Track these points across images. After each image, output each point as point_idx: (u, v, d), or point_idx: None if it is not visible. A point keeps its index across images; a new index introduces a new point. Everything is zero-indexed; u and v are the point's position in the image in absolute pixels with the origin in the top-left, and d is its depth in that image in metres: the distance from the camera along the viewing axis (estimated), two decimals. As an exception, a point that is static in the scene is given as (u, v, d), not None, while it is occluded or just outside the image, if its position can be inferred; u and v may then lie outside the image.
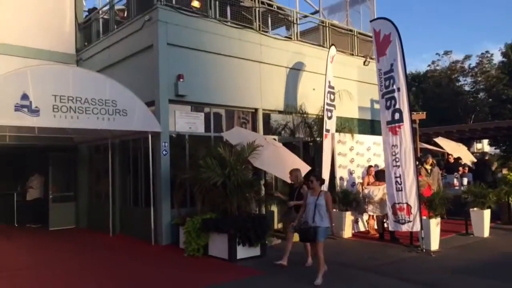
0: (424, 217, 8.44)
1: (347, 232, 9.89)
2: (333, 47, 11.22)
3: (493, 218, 11.29)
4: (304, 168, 9.44)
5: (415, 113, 16.44)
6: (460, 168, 15.32)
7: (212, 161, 7.78)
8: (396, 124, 8.57)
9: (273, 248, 8.62)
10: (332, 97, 10.80)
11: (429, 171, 11.65)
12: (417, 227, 8.24)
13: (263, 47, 11.19)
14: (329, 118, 10.58)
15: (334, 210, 10.09)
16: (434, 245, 8.31)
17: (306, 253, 7.30)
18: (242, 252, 7.60)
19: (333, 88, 10.88)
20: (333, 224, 6.59)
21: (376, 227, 10.02)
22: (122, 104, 8.41)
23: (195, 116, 9.99)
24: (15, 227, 12.26)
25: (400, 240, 9.00)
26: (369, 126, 13.84)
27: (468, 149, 24.48)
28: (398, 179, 8.50)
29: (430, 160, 11.84)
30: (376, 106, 12.43)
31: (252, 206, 9.00)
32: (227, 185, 7.71)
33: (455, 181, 13.79)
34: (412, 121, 15.83)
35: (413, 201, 8.30)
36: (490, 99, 31.76)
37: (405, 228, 8.41)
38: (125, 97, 8.55)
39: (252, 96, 10.93)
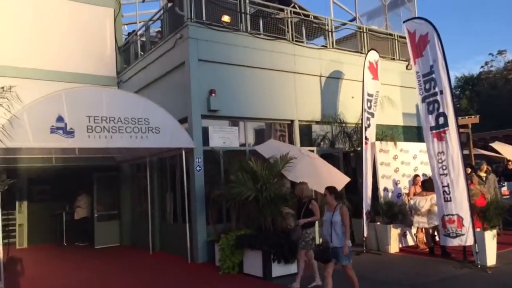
0: (478, 229, 7.68)
1: (394, 247, 9.25)
2: (372, 51, 10.72)
3: None
4: (343, 180, 9.03)
5: (467, 117, 15.39)
6: (520, 174, 14.07)
7: (244, 176, 7.59)
8: (441, 129, 7.95)
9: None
10: (369, 104, 10.29)
11: (483, 178, 10.74)
12: (470, 241, 7.51)
13: (297, 57, 10.95)
14: (368, 126, 10.06)
15: (378, 223, 9.57)
16: (491, 260, 7.53)
17: (314, 272, 6.78)
18: (278, 269, 7.27)
19: (371, 95, 10.38)
20: (348, 242, 5.53)
21: (425, 240, 9.29)
22: (155, 122, 8.48)
23: (229, 131, 9.89)
24: (64, 245, 12.70)
25: (452, 255, 8.26)
26: (416, 133, 13.05)
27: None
28: (446, 189, 7.84)
29: (485, 167, 10.93)
30: (423, 111, 11.73)
31: (289, 221, 8.68)
32: (260, 200, 7.46)
33: (516, 190, 12.67)
34: (464, 126, 14.96)
35: (464, 212, 7.60)
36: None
37: (456, 242, 7.69)
38: (158, 114, 8.62)
39: (287, 107, 10.68)
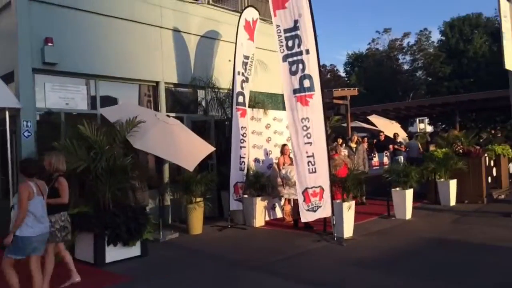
0: (338, 201, 7.38)
1: (259, 221, 8.71)
2: (250, 8, 9.71)
3: (420, 198, 10.64)
4: (206, 150, 8.12)
5: (346, 89, 15.56)
6: (391, 146, 14.68)
7: (74, 143, 6.21)
8: (307, 93, 7.34)
9: (166, 244, 7.30)
10: (245, 67, 9.42)
11: (354, 149, 10.71)
12: (328, 213, 7.16)
13: (165, 10, 9.59)
14: (241, 91, 9.22)
15: (245, 196, 8.95)
16: (348, 232, 7.30)
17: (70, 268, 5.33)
18: (114, 253, 6.15)
19: (247, 57, 9.50)
20: (14, 231, 4.31)
21: (292, 213, 8.89)
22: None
23: (74, 90, 8.29)
24: None
25: (315, 228, 7.91)
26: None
27: (406, 129, 24.34)
28: (311, 159, 7.33)
29: (356, 137, 10.88)
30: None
31: (142, 196, 7.58)
32: (93, 172, 6.19)
33: (385, 160, 13.10)
34: (343, 97, 15.13)
35: (326, 183, 7.20)
36: (430, 78, 31.97)
37: (317, 215, 7.30)
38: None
39: (151, 67, 9.34)
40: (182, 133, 7.82)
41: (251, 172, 9.09)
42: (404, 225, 8.18)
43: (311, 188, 7.25)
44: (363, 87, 35.39)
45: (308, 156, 7.34)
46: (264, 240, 7.56)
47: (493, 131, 18.25)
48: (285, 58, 7.41)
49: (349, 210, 7.23)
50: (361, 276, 5.25)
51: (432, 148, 11.36)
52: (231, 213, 8.88)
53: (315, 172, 7.26)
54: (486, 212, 9.01)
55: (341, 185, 7.36)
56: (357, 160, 10.61)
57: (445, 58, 29.76)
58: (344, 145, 10.65)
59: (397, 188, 8.86)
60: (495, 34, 26.58)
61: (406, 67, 33.50)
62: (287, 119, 7.71)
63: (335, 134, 11.12)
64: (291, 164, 8.67)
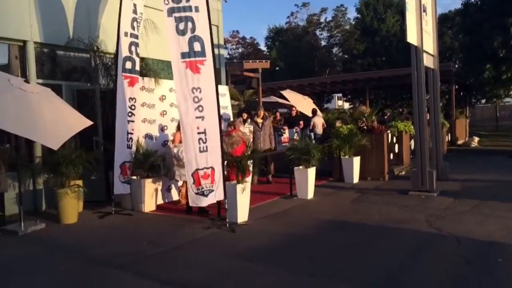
0: (233, 182, 6.63)
1: (149, 205, 7.71)
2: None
3: (325, 175, 10.37)
4: (78, 124, 6.84)
5: (257, 61, 14.82)
6: (301, 122, 14.37)
7: None
8: (198, 59, 6.37)
9: (25, 238, 6.05)
10: (135, 25, 8.09)
11: (260, 125, 10.04)
12: (219, 196, 6.39)
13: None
14: (130, 56, 7.94)
15: (134, 177, 7.88)
16: (242, 216, 6.61)
17: None
18: None
19: (140, 14, 8.17)
20: None
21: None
22: None
23: None
24: None
25: (210, 212, 7.12)
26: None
27: (320, 105, 24.53)
28: (203, 136, 6.43)
29: (261, 112, 10.19)
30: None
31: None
32: None
33: (296, 136, 12.69)
34: (254, 70, 14.38)
35: (218, 163, 6.39)
36: (346, 56, 32.58)
37: (209, 200, 6.49)
38: None
39: (16, 22, 7.69)
40: (47, 104, 6.45)
41: (141, 151, 7.99)
42: (304, 206, 7.72)
43: (202, 169, 6.38)
44: (284, 62, 35.22)
45: (199, 133, 6.45)
46: (148, 228, 6.60)
47: (400, 109, 18.90)
48: (170, 12, 6.32)
49: (243, 192, 6.51)
50: (240, 271, 4.56)
51: (338, 124, 11.10)
52: (118, 197, 7.78)
53: (206, 150, 6.40)
54: (385, 190, 8.91)
55: (235, 165, 6.59)
56: (263, 136, 9.99)
57: (360, 36, 30.37)
58: (249, 120, 9.94)
59: (300, 167, 8.38)
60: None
61: (323, 43, 33.80)
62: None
63: (246, 109, 10.33)
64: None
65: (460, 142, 18.15)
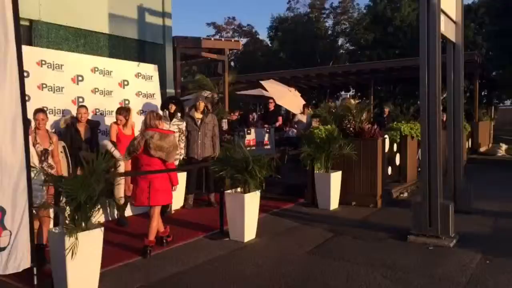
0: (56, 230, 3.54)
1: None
2: None
3: (298, 194, 7.38)
4: None
5: (223, 39, 11.71)
6: (279, 118, 11.32)
7: None
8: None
9: None
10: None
11: (197, 121, 6.96)
12: (19, 263, 3.34)
13: None
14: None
15: None
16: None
17: None
18: None
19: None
20: None
21: None
22: None
23: None
24: None
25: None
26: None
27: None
28: None
29: (202, 104, 7.05)
30: None
31: None
32: None
33: (266, 138, 9.61)
34: (220, 51, 11.27)
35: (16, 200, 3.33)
36: (352, 47, 29.18)
37: None
38: None
39: None
40: None
41: None
42: (229, 259, 4.63)
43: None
44: (286, 53, 31.99)
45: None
46: None
47: (404, 105, 15.55)
48: None
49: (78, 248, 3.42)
50: None
51: (314, 124, 7.96)
52: None
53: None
54: (373, 228, 5.76)
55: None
56: (203, 138, 6.91)
57: (369, 24, 26.91)
58: (178, 114, 6.87)
59: (235, 190, 5.31)
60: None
61: (327, 32, 30.33)
62: None
63: (174, 99, 7.24)
64: None
65: (482, 149, 14.78)
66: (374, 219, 6.27)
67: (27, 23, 6.43)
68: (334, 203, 6.87)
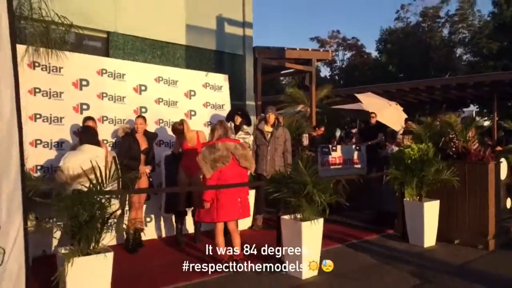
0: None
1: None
2: None
3: (387, 224, 6.25)
4: None
5: (310, 49, 10.83)
6: (379, 135, 10.01)
7: None
8: None
9: None
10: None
11: (266, 135, 6.29)
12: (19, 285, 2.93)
13: None
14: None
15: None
16: None
17: None
18: None
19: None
20: None
21: None
22: None
23: None
24: None
25: None
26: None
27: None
28: None
29: (272, 116, 6.32)
30: None
31: None
32: None
33: (355, 156, 8.56)
34: (307, 61, 10.48)
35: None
36: (474, 58, 25.84)
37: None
38: None
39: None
40: None
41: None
42: None
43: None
44: (396, 67, 29.83)
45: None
46: None
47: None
48: None
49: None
50: None
51: (405, 141, 6.66)
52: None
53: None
54: (479, 279, 4.38)
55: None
56: (272, 153, 6.22)
57: (493, 32, 23.56)
58: (244, 127, 6.29)
59: (290, 216, 4.46)
60: None
61: (443, 42, 27.33)
62: None
63: (240, 110, 6.64)
64: None
65: None
66: (481, 265, 4.82)
67: (104, 35, 6.52)
68: (429, 239, 5.55)
